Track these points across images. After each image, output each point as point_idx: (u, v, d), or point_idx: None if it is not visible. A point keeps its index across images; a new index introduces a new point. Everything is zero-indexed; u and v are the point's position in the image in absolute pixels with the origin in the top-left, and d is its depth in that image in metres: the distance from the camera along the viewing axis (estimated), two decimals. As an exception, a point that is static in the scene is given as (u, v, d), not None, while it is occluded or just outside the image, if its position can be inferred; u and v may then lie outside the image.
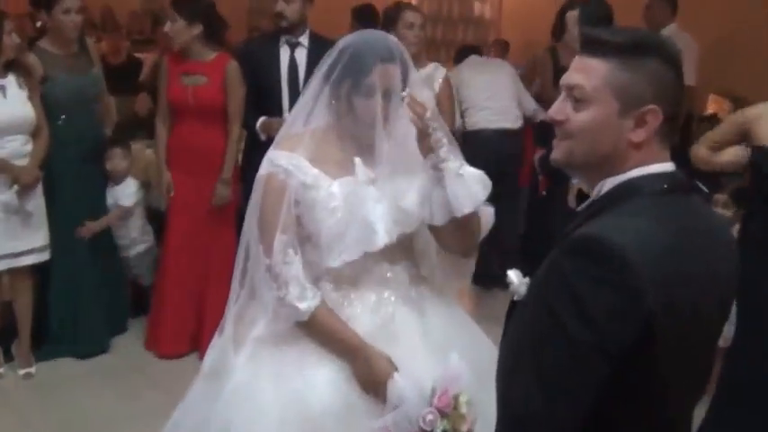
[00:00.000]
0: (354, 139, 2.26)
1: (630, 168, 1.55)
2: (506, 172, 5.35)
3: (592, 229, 1.47)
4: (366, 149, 2.24)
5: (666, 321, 1.42)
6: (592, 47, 1.56)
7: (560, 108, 1.59)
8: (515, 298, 1.68)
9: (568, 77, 1.58)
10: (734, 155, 3.44)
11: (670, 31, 6.00)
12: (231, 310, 2.34)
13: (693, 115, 6.16)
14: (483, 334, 2.43)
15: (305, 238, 2.24)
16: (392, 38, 2.25)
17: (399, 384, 2.11)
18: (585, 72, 1.54)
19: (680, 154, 1.68)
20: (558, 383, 1.44)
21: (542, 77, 5.53)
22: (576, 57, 1.59)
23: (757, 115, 3.30)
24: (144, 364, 4.56)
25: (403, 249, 2.31)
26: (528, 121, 5.86)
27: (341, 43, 2.22)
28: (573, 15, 4.61)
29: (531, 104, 5.85)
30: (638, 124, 1.52)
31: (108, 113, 4.90)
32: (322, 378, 2.18)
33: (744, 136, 3.35)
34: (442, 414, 2.03)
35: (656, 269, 1.40)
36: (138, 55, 7.37)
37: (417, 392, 2.08)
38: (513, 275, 1.69)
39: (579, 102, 1.55)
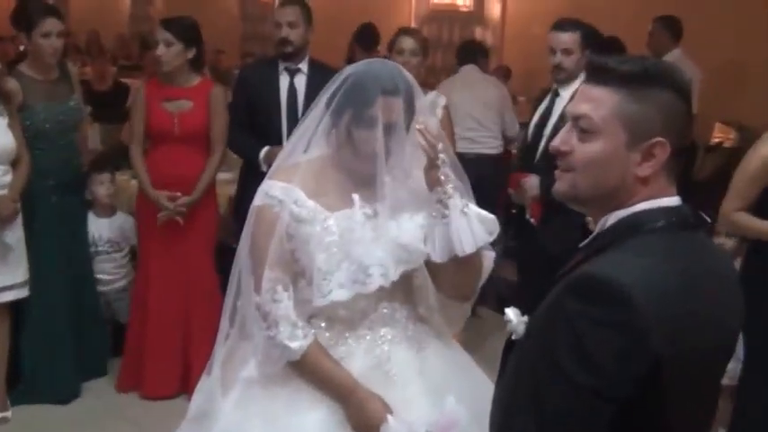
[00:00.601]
0: (352, 172, 2.19)
1: (636, 203, 1.50)
2: (484, 197, 5.21)
3: (596, 268, 1.42)
4: (364, 183, 2.18)
5: (672, 364, 1.38)
6: (599, 75, 1.51)
7: (566, 139, 1.54)
8: (513, 337, 1.62)
9: (575, 107, 1.53)
10: None
11: (673, 57, 5.89)
12: (220, 350, 2.29)
13: (698, 144, 6.03)
14: (483, 376, 2.33)
15: (299, 274, 2.18)
16: (400, 69, 2.19)
17: (393, 428, 2.07)
18: (593, 102, 1.50)
19: (684, 185, 1.59)
20: (560, 430, 1.40)
21: None
22: (582, 85, 1.55)
23: None
24: (126, 407, 4.33)
25: (402, 286, 2.23)
26: (508, 142, 6.03)
27: (346, 71, 2.16)
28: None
29: (514, 127, 5.96)
30: (646, 158, 1.48)
31: (84, 143, 4.66)
32: (313, 421, 2.13)
33: None
34: None
35: (662, 311, 1.36)
36: (124, 81, 7.15)
37: None
38: (512, 314, 1.62)
39: (586, 133, 1.50)
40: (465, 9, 8.99)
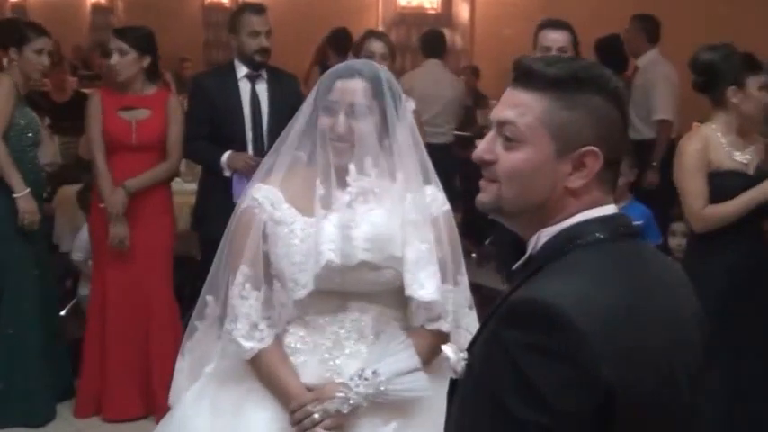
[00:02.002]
0: (330, 169, 2.21)
1: (567, 217, 1.39)
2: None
3: (530, 293, 1.31)
4: (341, 182, 2.21)
5: (625, 393, 1.25)
6: (525, 79, 1.41)
7: (489, 147, 1.43)
8: (454, 377, 1.47)
9: (499, 113, 1.42)
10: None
11: (649, 58, 5.80)
12: (186, 345, 2.37)
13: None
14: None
15: (275, 276, 2.22)
16: (368, 62, 2.32)
17: None
18: (518, 107, 1.39)
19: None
20: None
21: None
22: (508, 89, 1.44)
23: (704, 144, 3.36)
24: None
25: (377, 298, 2.23)
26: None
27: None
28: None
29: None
30: (576, 168, 1.38)
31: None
32: (258, 420, 2.18)
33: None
34: None
35: (607, 335, 1.24)
36: (85, 91, 6.96)
37: None
38: (449, 350, 1.48)
39: (511, 141, 1.39)
40: (433, 12, 8.92)
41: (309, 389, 2.17)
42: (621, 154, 1.46)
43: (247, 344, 2.17)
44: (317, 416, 2.11)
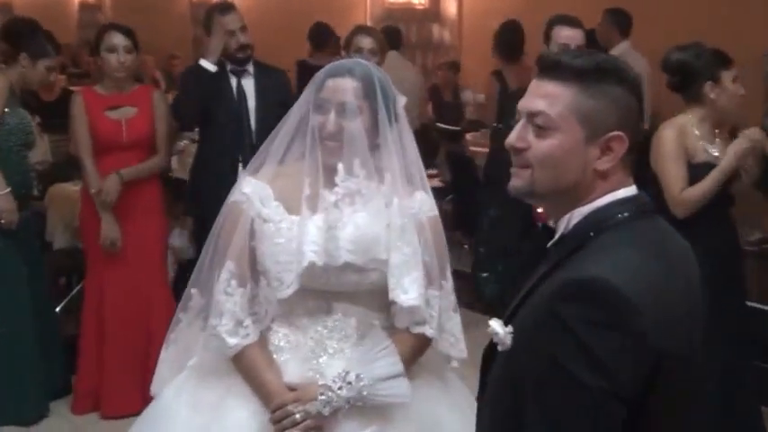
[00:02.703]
0: (320, 168, 2.20)
1: (596, 198, 1.51)
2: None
3: (580, 272, 1.42)
4: (330, 182, 2.19)
5: (669, 357, 1.40)
6: (551, 71, 1.51)
7: (521, 135, 1.53)
8: (500, 348, 1.56)
9: (530, 103, 1.52)
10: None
11: (620, 50, 5.89)
12: (170, 337, 2.36)
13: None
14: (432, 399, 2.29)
15: (261, 273, 2.20)
16: (362, 61, 2.29)
17: None
18: (548, 98, 1.50)
19: (640, 179, 1.59)
20: None
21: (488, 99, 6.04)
22: (534, 81, 1.55)
23: (680, 131, 3.47)
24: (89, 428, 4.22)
25: (361, 299, 2.23)
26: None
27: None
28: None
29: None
30: (604, 152, 1.49)
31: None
32: (237, 419, 2.16)
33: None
34: None
35: (650, 306, 1.37)
36: (73, 89, 6.93)
37: None
38: (497, 325, 1.56)
39: (542, 129, 1.50)
40: (421, 7, 8.95)
41: (291, 388, 2.16)
42: (639, 139, 1.56)
43: (232, 340, 2.15)
44: (297, 416, 2.10)
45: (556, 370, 1.38)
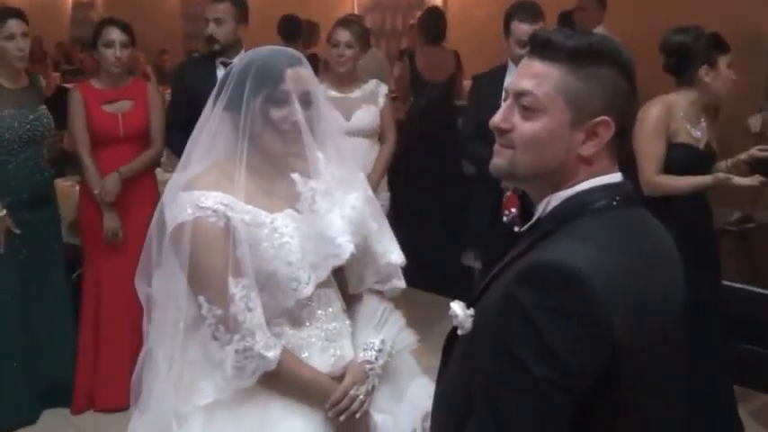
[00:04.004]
0: (274, 162, 2.13)
1: (578, 183, 1.45)
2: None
3: (546, 256, 1.36)
4: (288, 167, 2.13)
5: (632, 350, 1.33)
6: (543, 50, 1.45)
7: (506, 115, 1.48)
8: (460, 332, 1.52)
9: (517, 83, 1.47)
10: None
11: (599, 31, 5.80)
12: (153, 382, 2.14)
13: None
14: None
15: (264, 280, 2.08)
16: (282, 48, 2.20)
17: (379, 422, 2.12)
18: (536, 78, 1.44)
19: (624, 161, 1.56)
20: (521, 427, 1.33)
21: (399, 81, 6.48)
22: (525, 60, 1.48)
23: (666, 109, 3.48)
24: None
25: (333, 281, 2.22)
26: None
27: (239, 65, 2.11)
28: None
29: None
30: (589, 137, 1.43)
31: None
32: (291, 430, 2.07)
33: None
34: None
35: (616, 297, 1.31)
36: (67, 85, 7.04)
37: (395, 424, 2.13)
38: (458, 308, 1.52)
39: (528, 110, 1.44)
40: (408, -4, 8.96)
41: (334, 378, 2.15)
42: (630, 124, 1.51)
43: (270, 354, 2.02)
44: (362, 397, 2.12)
45: (507, 356, 1.34)
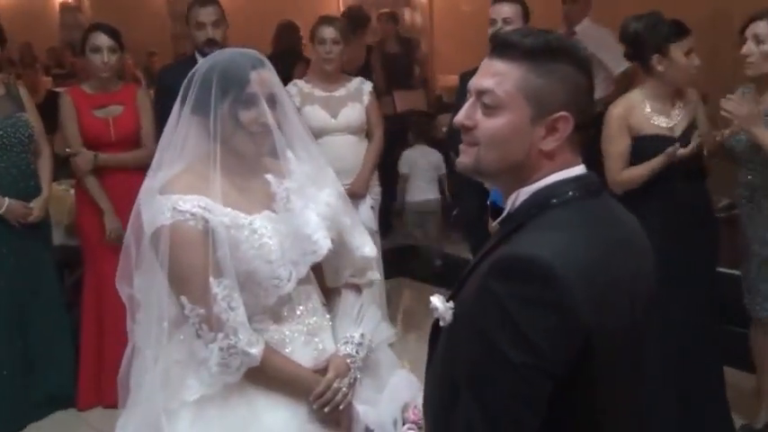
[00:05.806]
0: (247, 163, 2.17)
1: (542, 177, 1.50)
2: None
3: (516, 248, 1.42)
4: (262, 167, 2.18)
5: (599, 337, 1.38)
6: (502, 50, 1.50)
7: (469, 113, 1.53)
8: (441, 324, 1.57)
9: (478, 82, 1.52)
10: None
11: (585, 24, 5.84)
12: (144, 378, 2.17)
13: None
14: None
15: (244, 279, 2.13)
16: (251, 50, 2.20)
17: (361, 412, 2.16)
18: (497, 76, 1.49)
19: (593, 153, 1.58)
20: (505, 414, 1.38)
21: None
22: (485, 60, 1.53)
23: (627, 108, 3.49)
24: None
25: (312, 276, 2.27)
26: None
27: (202, 68, 2.13)
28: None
29: None
30: (550, 132, 1.48)
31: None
32: (274, 421, 2.13)
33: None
34: (419, 426, 2.08)
35: (585, 284, 1.36)
36: (58, 90, 7.08)
37: (379, 415, 2.16)
38: (437, 301, 1.57)
39: (490, 108, 1.49)
40: (392, -9, 8.98)
41: (317, 371, 2.20)
42: (590, 118, 1.55)
43: (254, 350, 2.08)
44: (345, 389, 2.17)
45: (485, 345, 1.38)
